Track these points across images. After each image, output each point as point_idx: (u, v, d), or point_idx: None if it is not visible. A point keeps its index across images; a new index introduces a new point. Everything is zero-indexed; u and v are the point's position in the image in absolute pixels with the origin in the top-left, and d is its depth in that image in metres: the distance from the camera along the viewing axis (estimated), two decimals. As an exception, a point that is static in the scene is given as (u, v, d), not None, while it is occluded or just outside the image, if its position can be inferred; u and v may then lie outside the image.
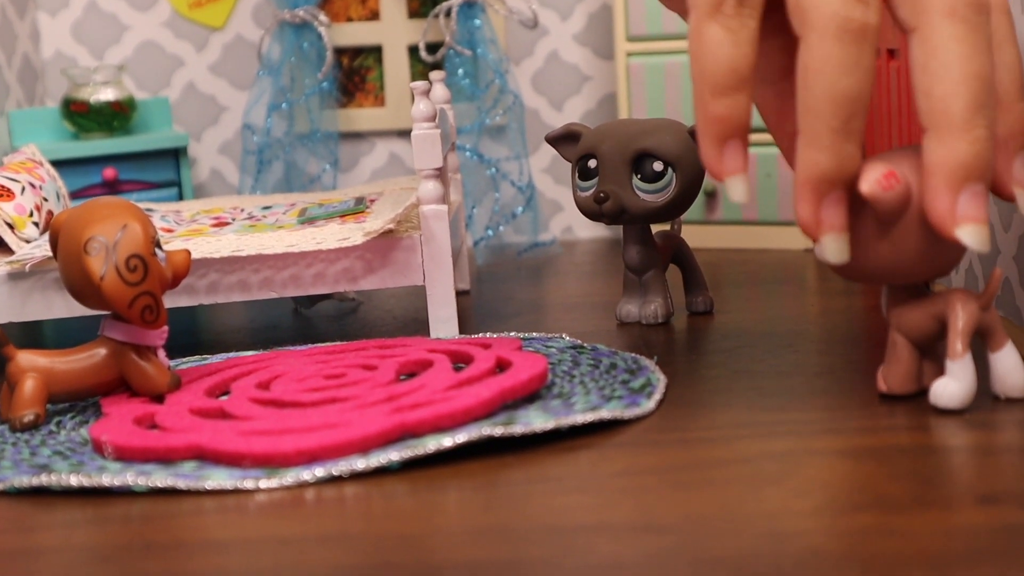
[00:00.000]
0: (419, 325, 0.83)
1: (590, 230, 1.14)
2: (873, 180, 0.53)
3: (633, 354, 0.68)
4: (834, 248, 0.54)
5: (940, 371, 0.58)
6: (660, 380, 0.64)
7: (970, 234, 0.52)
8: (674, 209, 0.75)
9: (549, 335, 0.74)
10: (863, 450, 0.53)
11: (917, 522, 0.45)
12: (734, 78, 0.53)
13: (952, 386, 0.56)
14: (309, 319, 0.88)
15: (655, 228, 0.79)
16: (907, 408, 0.58)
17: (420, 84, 0.76)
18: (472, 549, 0.46)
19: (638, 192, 0.74)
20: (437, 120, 0.76)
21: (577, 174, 0.76)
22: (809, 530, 0.45)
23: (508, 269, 1.02)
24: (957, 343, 0.55)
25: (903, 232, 0.54)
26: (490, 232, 1.06)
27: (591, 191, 0.75)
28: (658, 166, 0.74)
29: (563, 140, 0.79)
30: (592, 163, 0.75)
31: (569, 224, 1.14)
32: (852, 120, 0.52)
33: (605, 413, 0.58)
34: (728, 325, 0.76)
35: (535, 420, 0.57)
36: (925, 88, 0.52)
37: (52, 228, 0.65)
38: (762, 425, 0.57)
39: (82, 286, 0.63)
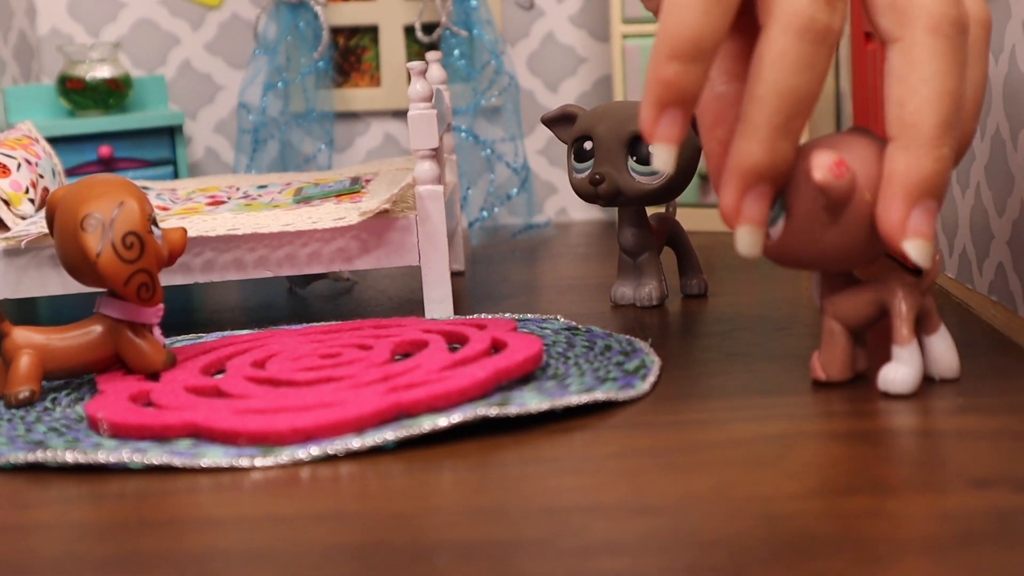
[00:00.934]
0: (414, 305, 0.83)
1: (584, 212, 1.14)
2: (825, 168, 0.53)
3: (628, 336, 0.68)
4: (747, 241, 0.54)
5: (870, 356, 0.59)
6: (655, 362, 0.64)
7: (917, 248, 0.52)
8: (669, 191, 0.75)
9: (544, 317, 0.74)
10: (856, 433, 0.53)
11: (911, 505, 0.45)
12: (694, 46, 0.52)
13: (902, 371, 0.56)
14: (304, 298, 0.88)
15: (650, 211, 0.79)
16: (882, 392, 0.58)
17: (416, 64, 0.76)
18: (467, 529, 0.46)
19: (633, 174, 0.74)
20: (433, 100, 0.76)
21: (573, 156, 0.76)
22: (803, 512, 0.45)
23: (502, 250, 1.02)
24: (903, 329, 0.56)
25: (847, 219, 0.55)
26: (485, 213, 1.06)
27: (587, 173, 0.75)
28: (654, 148, 0.74)
29: (559, 121, 0.79)
30: (588, 145, 0.75)
31: (563, 206, 1.14)
32: (794, 119, 0.52)
33: (600, 395, 0.58)
34: (722, 308, 0.76)
35: (530, 401, 0.57)
36: (899, 98, 0.52)
37: (48, 205, 0.65)
38: (756, 408, 0.57)
39: (78, 263, 0.63)
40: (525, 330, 0.70)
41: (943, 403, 0.56)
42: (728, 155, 0.54)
